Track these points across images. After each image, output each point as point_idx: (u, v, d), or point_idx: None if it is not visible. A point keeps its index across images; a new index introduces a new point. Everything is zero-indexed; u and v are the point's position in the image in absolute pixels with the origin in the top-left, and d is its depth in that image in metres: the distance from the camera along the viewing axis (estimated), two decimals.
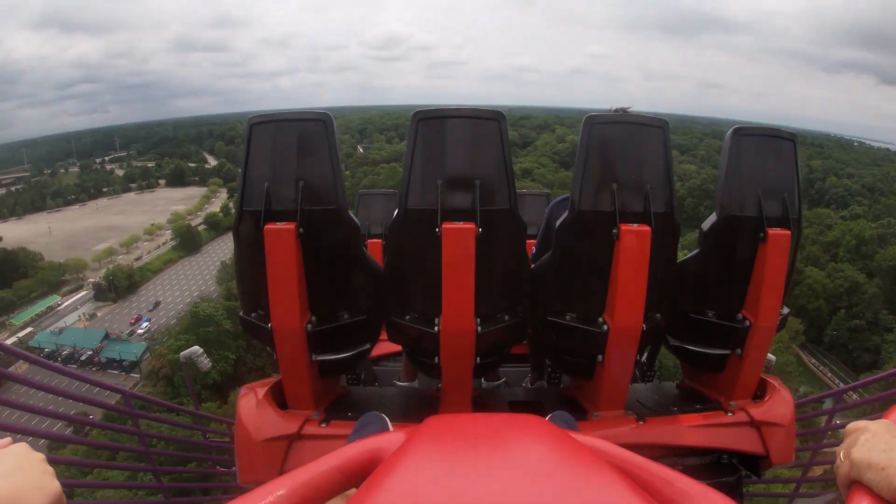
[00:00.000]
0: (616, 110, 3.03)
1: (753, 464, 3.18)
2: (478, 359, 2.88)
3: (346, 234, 2.85)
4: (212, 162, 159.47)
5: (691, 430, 3.01)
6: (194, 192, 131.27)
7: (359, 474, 0.96)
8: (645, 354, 4.08)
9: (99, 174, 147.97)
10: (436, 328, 2.78)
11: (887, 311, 59.97)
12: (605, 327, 2.85)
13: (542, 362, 4.14)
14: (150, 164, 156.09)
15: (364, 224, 6.47)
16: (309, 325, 2.81)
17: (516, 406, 3.42)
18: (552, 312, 3.02)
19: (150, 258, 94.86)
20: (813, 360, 58.03)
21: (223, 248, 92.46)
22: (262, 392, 3.02)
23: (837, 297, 62.73)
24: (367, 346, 3.19)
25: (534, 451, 0.94)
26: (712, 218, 3.01)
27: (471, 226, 2.64)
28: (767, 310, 2.95)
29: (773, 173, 2.95)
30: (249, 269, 2.96)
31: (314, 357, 2.91)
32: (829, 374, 55.70)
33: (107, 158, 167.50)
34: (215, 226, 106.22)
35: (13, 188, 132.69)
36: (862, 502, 0.88)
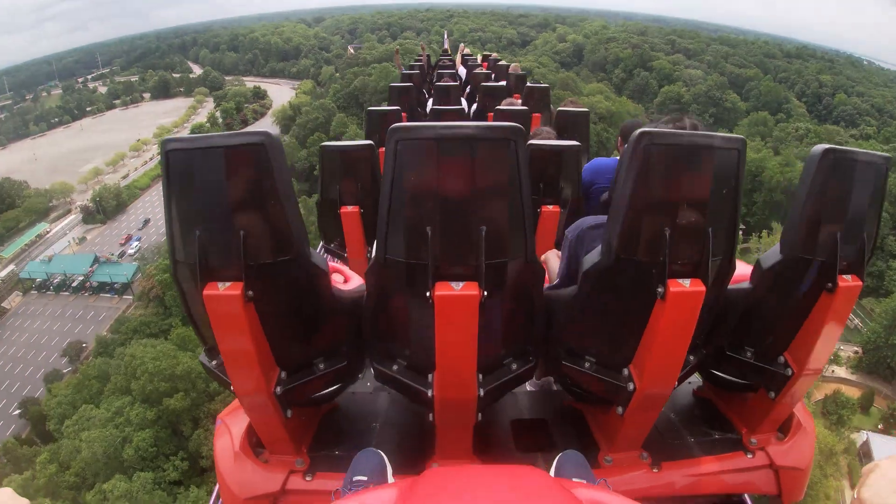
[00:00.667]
0: (676, 123, 2.49)
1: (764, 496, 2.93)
2: (479, 416, 2.38)
3: (310, 285, 2.25)
4: (197, 71, 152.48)
5: (708, 477, 2.71)
6: (180, 104, 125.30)
7: None
8: None
9: (82, 94, 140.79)
10: (430, 391, 2.26)
11: (894, 237, 59.69)
12: (632, 386, 2.33)
13: (550, 367, 3.09)
14: (134, 79, 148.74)
15: (334, 187, 5.01)
16: (278, 387, 2.30)
17: (520, 429, 2.93)
18: (568, 356, 2.53)
19: (138, 175, 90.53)
20: None
21: None
22: (238, 434, 2.65)
23: None
24: (351, 381, 2.75)
25: None
26: (775, 253, 2.45)
27: (473, 289, 2.02)
28: (816, 360, 2.50)
29: (857, 208, 2.33)
30: (199, 320, 2.26)
31: (288, 413, 2.41)
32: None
33: (89, 77, 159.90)
34: None
35: None
36: None
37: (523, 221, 2.10)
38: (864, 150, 2.39)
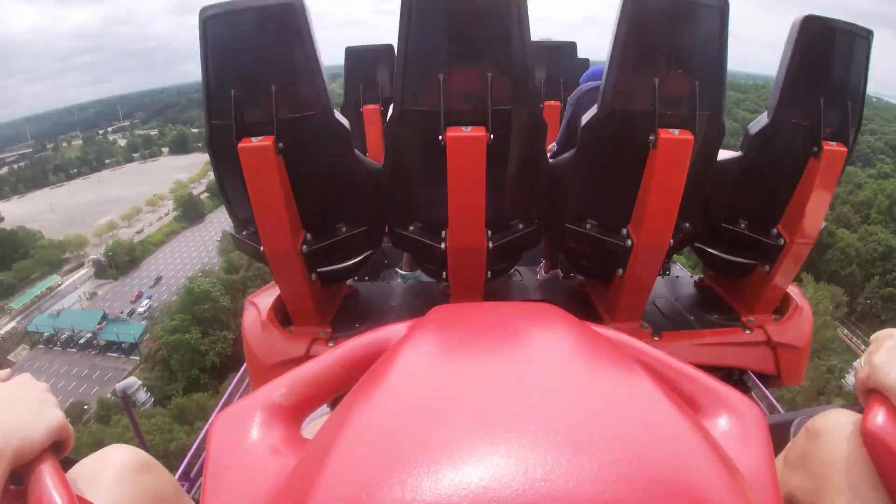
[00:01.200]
0: None
1: (763, 377, 3.09)
2: (489, 273, 2.61)
3: (334, 141, 2.46)
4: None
5: (707, 347, 2.83)
6: (197, 159, 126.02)
7: (361, 368, 0.91)
8: None
9: (101, 145, 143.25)
10: (442, 244, 2.49)
11: None
12: (629, 242, 2.53)
13: (556, 252, 3.62)
14: (153, 132, 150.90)
15: (356, 86, 5.53)
16: (304, 246, 2.52)
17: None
18: (571, 219, 2.71)
19: (152, 230, 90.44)
20: (845, 332, 52.45)
21: (227, 217, 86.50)
22: (265, 309, 2.84)
23: (871, 263, 57.61)
24: (370, 251, 2.91)
25: (548, 340, 0.88)
26: (762, 120, 2.61)
27: (480, 132, 2.22)
28: (807, 229, 2.65)
29: (839, 76, 2.50)
30: (231, 186, 2.54)
31: (313, 275, 2.63)
32: (863, 347, 50.01)
33: (109, 129, 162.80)
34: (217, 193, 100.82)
35: (16, 165, 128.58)
36: (878, 409, 0.85)
37: (525, 72, 2.27)
38: (846, 21, 2.48)
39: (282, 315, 2.86)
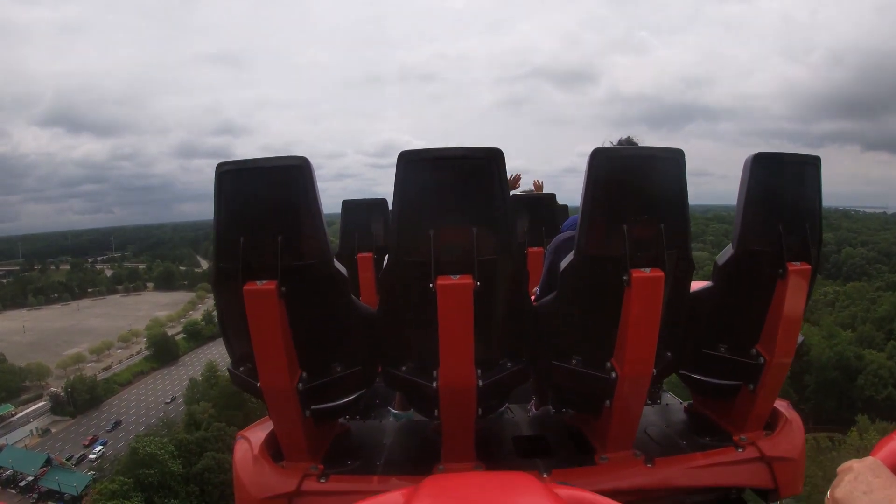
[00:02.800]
0: (621, 141, 3.03)
1: (762, 493, 3.02)
2: (479, 410, 2.67)
3: (332, 288, 2.62)
4: (204, 265, 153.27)
5: (702, 470, 2.83)
6: (181, 298, 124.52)
7: None
8: None
9: (88, 273, 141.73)
10: (434, 383, 2.55)
11: None
12: (614, 374, 2.62)
13: (545, 388, 3.67)
14: (141, 266, 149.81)
15: (351, 237, 5.92)
16: (300, 384, 2.59)
17: (521, 443, 3.12)
18: (557, 356, 2.80)
19: (121, 368, 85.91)
20: None
21: (201, 361, 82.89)
22: (257, 443, 2.86)
23: None
24: (364, 390, 2.98)
25: None
26: (728, 251, 2.81)
27: (468, 280, 2.39)
28: (784, 346, 2.77)
29: (794, 202, 2.76)
30: (232, 324, 2.71)
31: (307, 412, 2.69)
32: None
33: (100, 258, 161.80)
34: (195, 335, 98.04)
35: (3, 281, 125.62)
36: None
37: (506, 226, 2.52)
38: (793, 153, 2.80)
39: (274, 450, 2.85)
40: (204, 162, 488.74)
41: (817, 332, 63.75)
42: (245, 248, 2.43)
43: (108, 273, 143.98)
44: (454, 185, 2.50)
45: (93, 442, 66.23)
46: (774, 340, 2.75)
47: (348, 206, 6.18)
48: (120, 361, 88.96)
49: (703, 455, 2.88)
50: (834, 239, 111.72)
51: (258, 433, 2.96)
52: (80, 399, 72.83)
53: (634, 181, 2.58)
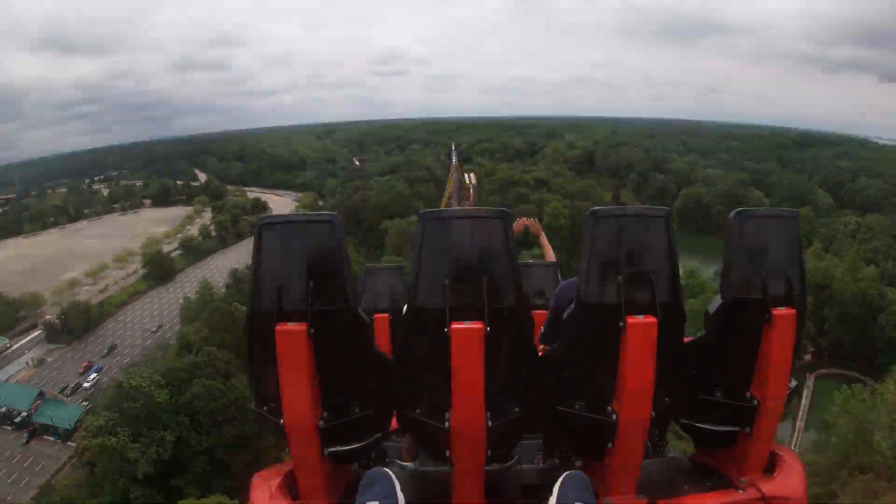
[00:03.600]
0: (618, 205, 3.57)
1: None
2: (489, 451, 2.79)
3: (355, 332, 2.83)
4: (202, 178, 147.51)
5: None
6: (179, 212, 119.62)
7: None
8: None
9: (84, 195, 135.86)
10: (446, 423, 2.71)
11: None
12: (614, 417, 2.78)
13: (553, 440, 3.90)
14: (138, 184, 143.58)
15: (371, 299, 6.64)
16: (321, 422, 2.76)
17: (529, 490, 3.26)
18: (561, 401, 2.96)
19: (117, 290, 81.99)
20: None
21: (197, 277, 78.54)
22: (275, 484, 2.98)
23: None
24: (379, 435, 3.12)
25: None
26: (717, 301, 2.99)
27: (479, 325, 2.59)
28: (775, 388, 2.91)
29: (776, 253, 2.97)
30: (260, 365, 2.90)
31: (326, 451, 2.83)
32: None
33: (96, 178, 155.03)
34: (193, 251, 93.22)
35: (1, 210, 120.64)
36: None
37: (514, 277, 2.73)
38: (773, 209, 3.17)
39: (290, 490, 2.95)
40: (202, 75, 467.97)
41: (839, 264, 63.58)
42: (280, 292, 2.65)
43: (106, 193, 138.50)
44: (467, 242, 2.75)
45: (87, 369, 63.42)
46: (766, 383, 2.87)
47: (368, 271, 7.28)
48: (115, 283, 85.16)
49: (705, 497, 2.99)
50: (850, 167, 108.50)
51: (275, 476, 3.04)
52: (75, 325, 69.41)
53: (627, 239, 2.80)
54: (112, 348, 67.55)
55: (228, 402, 44.79)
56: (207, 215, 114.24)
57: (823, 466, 27.44)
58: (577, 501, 2.24)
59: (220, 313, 55.43)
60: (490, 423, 2.67)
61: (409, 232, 72.92)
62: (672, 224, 2.85)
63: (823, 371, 56.68)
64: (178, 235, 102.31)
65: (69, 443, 50.86)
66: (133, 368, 47.58)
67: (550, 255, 6.64)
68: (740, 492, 3.00)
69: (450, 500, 2.94)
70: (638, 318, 2.67)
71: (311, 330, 2.62)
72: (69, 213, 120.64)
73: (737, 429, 3.04)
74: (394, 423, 3.46)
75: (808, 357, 57.85)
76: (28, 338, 69.72)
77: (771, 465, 3.11)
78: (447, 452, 2.78)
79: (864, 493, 23.34)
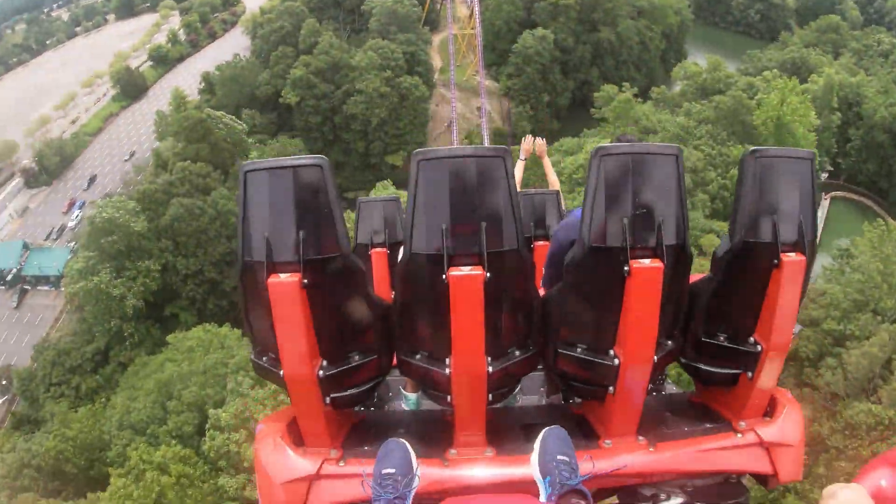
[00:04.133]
0: (619, 138, 3.32)
1: (762, 479, 3.14)
2: (490, 396, 2.79)
3: (351, 280, 2.74)
4: None
5: (702, 454, 2.93)
6: (146, 22, 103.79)
7: None
8: None
9: (44, 26, 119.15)
10: (447, 370, 2.69)
11: None
12: (617, 361, 2.73)
13: (552, 375, 3.72)
14: (97, 0, 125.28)
15: (367, 233, 6.32)
16: (320, 371, 2.71)
17: (530, 431, 3.04)
18: (562, 344, 2.91)
19: (88, 117, 72.36)
20: None
21: (171, 87, 67.78)
22: (279, 431, 2.94)
23: None
24: (380, 378, 3.09)
25: None
26: (725, 243, 2.88)
27: (478, 271, 2.52)
28: (780, 334, 2.85)
29: (789, 196, 2.81)
30: (256, 316, 2.83)
31: (327, 399, 2.79)
32: None
33: (54, 6, 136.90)
34: (162, 60, 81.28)
35: None
36: None
37: (515, 219, 2.58)
38: (789, 149, 2.88)
39: (295, 436, 2.92)
40: None
41: (871, 84, 58.29)
42: (269, 243, 2.53)
43: (66, 17, 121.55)
44: (465, 183, 2.57)
45: (71, 206, 57.72)
46: (771, 329, 2.81)
47: (364, 204, 6.60)
48: (87, 110, 75.44)
49: (704, 440, 2.96)
50: None
51: (279, 421, 3.02)
52: (52, 164, 62.05)
53: (634, 177, 2.62)
54: (92, 180, 61.09)
55: (210, 218, 41.23)
56: (176, 20, 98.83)
57: (840, 301, 25.25)
58: (560, 455, 2.34)
59: (193, 122, 47.94)
60: (491, 369, 2.64)
61: None
62: (682, 162, 2.66)
63: (839, 194, 56.00)
64: (146, 46, 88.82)
65: (61, 288, 46.29)
66: (103, 200, 42.55)
67: (554, 182, 6.36)
68: (739, 436, 2.96)
69: (452, 437, 2.90)
70: (643, 263, 2.54)
71: (305, 281, 2.51)
72: (31, 49, 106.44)
73: (738, 371, 2.97)
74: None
75: (825, 176, 56.40)
76: (6, 190, 62.76)
77: (771, 409, 3.08)
78: (448, 398, 2.76)
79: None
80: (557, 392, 3.88)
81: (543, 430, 2.55)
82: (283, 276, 2.51)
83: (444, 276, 2.48)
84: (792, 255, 2.70)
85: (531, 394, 4.21)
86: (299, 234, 2.53)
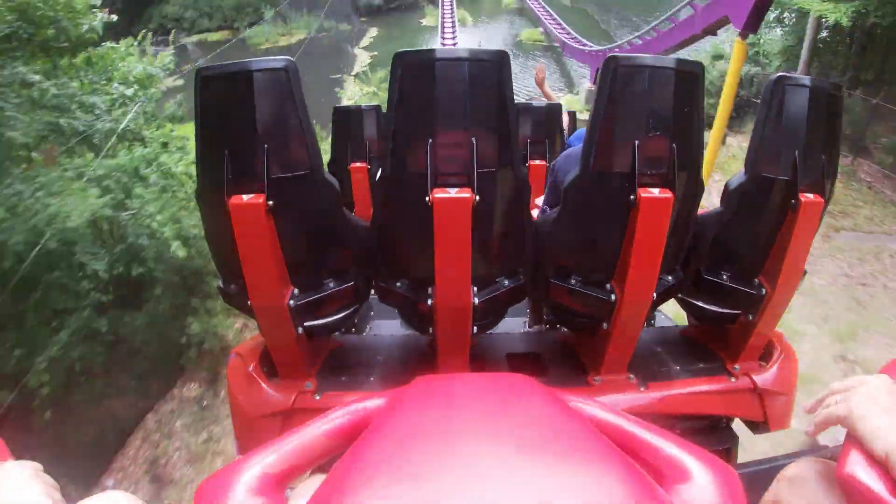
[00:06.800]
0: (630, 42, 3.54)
1: (752, 424, 2.88)
2: (475, 328, 2.47)
3: (323, 200, 2.35)
4: None
5: (693, 396, 2.70)
6: None
7: (346, 438, 1.00)
8: None
9: None
10: (429, 301, 2.36)
11: None
12: (613, 297, 2.41)
13: (541, 308, 3.55)
14: None
15: (342, 145, 5.01)
16: (291, 301, 2.38)
17: (514, 359, 2.92)
18: (556, 274, 2.55)
19: None
20: None
21: None
22: (251, 361, 2.67)
23: None
24: (357, 305, 2.75)
25: (519, 419, 0.97)
26: (740, 175, 2.47)
27: (466, 193, 2.12)
28: (787, 278, 2.52)
29: (814, 131, 2.39)
30: (219, 240, 2.44)
31: (300, 329, 2.46)
32: None
33: None
34: None
35: None
36: (855, 455, 0.87)
37: (508, 135, 2.21)
38: (817, 78, 2.58)
39: (268, 367, 2.65)
40: None
41: None
42: (229, 160, 2.14)
43: None
44: (455, 90, 2.11)
45: None
46: (778, 272, 2.49)
47: (339, 112, 5.12)
48: None
49: (696, 382, 2.71)
50: None
51: (252, 350, 2.72)
52: None
53: (648, 96, 2.18)
54: None
55: None
56: None
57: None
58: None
59: None
60: (476, 301, 2.31)
61: None
62: (703, 81, 2.24)
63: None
64: None
65: None
66: None
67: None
68: (732, 380, 2.72)
69: (434, 365, 2.65)
70: (653, 192, 2.16)
71: (270, 202, 2.14)
72: None
73: (738, 312, 2.65)
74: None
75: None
76: None
77: (766, 353, 2.82)
78: (430, 329, 2.45)
79: None
80: (541, 322, 3.58)
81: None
82: (245, 197, 2.16)
83: (427, 199, 2.11)
84: (810, 195, 2.37)
85: (514, 317, 3.79)
86: (263, 149, 2.16)
